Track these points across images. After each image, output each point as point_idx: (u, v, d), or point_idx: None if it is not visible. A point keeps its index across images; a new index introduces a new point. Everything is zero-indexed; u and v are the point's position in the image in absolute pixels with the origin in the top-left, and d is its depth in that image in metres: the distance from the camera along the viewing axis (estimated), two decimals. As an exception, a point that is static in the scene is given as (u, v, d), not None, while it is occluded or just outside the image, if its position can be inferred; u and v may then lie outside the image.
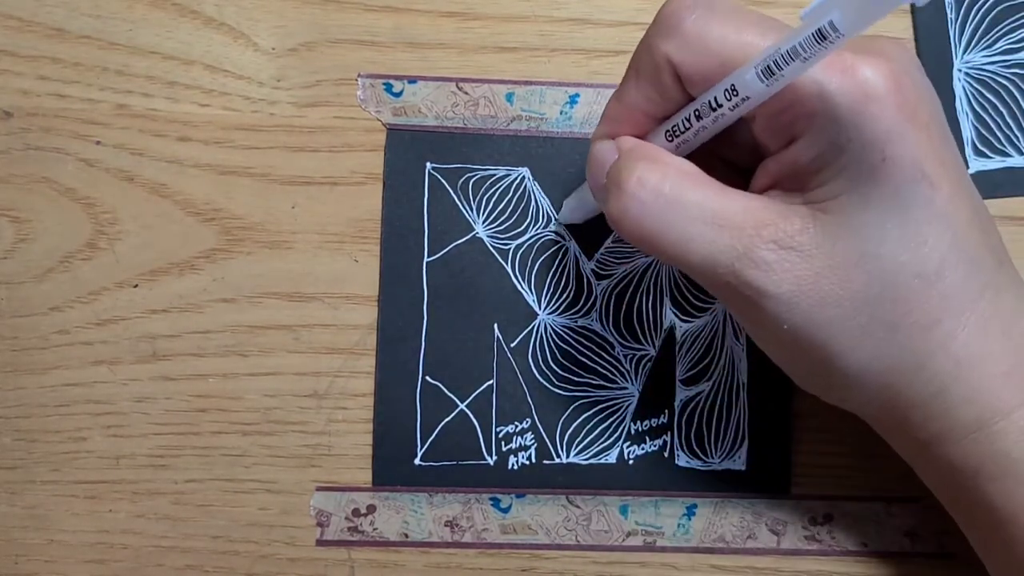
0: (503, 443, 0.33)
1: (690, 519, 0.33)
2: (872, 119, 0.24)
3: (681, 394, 0.33)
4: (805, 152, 0.25)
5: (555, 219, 0.33)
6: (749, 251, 0.24)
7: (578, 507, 0.33)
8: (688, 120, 0.26)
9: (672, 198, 0.25)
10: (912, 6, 0.35)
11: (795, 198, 0.25)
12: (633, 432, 0.33)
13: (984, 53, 0.35)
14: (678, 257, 0.25)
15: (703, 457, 0.33)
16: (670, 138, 0.27)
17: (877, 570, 0.33)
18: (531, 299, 0.34)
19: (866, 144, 0.24)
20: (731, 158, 0.29)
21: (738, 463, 0.33)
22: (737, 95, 0.24)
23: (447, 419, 0.33)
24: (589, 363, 0.33)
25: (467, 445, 0.33)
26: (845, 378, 0.26)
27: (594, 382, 0.33)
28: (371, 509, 0.33)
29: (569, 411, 0.33)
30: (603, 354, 0.33)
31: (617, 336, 0.34)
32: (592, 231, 0.34)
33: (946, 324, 0.25)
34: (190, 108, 0.34)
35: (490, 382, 0.33)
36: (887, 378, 0.26)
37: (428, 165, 0.34)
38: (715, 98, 0.25)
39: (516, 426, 0.33)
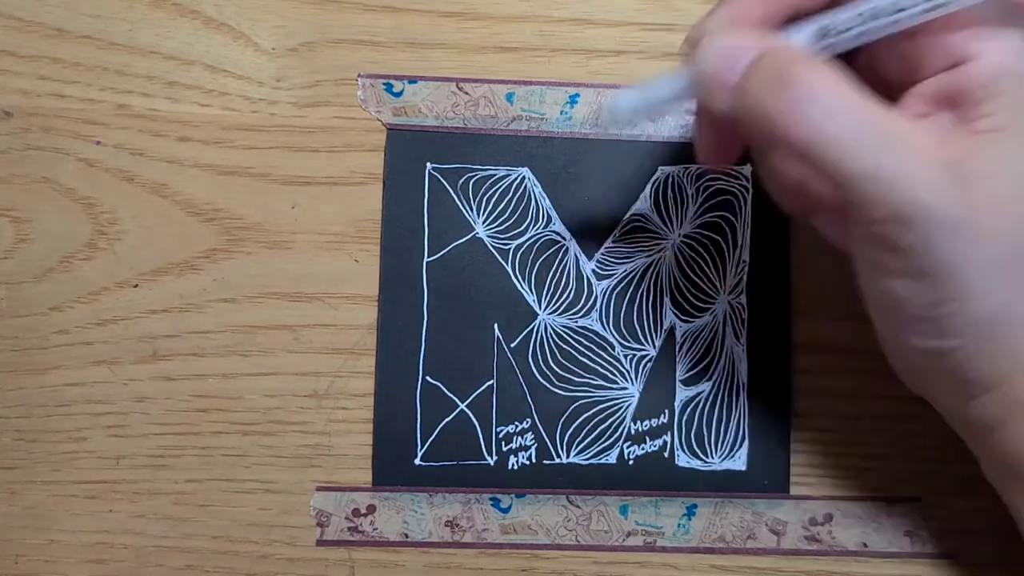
0: (503, 443, 0.33)
1: (690, 519, 0.33)
2: None
3: (681, 394, 0.33)
4: (976, 76, 0.23)
5: (605, 117, 0.30)
6: (920, 169, 0.22)
7: (578, 507, 0.33)
8: (853, 21, 0.23)
9: (853, 105, 0.23)
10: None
11: (952, 126, 0.24)
12: (633, 432, 0.33)
13: (984, 53, 0.35)
14: (840, 167, 0.23)
15: (703, 457, 0.33)
16: (819, 38, 0.23)
17: (877, 570, 0.33)
18: (531, 299, 0.34)
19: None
20: (872, 74, 0.26)
21: (738, 463, 0.33)
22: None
23: (447, 419, 0.33)
24: (589, 363, 0.33)
25: (467, 445, 0.33)
26: (964, 324, 0.24)
27: (594, 382, 0.33)
28: (371, 509, 0.33)
29: (569, 411, 0.33)
30: (603, 354, 0.33)
31: (617, 336, 0.34)
32: (592, 231, 0.34)
33: None
34: (190, 108, 0.34)
35: (490, 382, 0.33)
36: (1009, 328, 0.24)
37: (428, 165, 0.34)
38: None
39: (516, 426, 0.33)
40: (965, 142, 0.23)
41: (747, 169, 0.34)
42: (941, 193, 0.23)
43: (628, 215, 0.34)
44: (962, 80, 0.23)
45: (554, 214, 0.34)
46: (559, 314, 0.34)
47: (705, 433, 0.33)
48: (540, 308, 0.34)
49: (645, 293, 0.34)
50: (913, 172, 0.23)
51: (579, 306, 0.34)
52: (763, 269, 0.34)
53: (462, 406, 0.33)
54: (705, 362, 0.34)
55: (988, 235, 0.23)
